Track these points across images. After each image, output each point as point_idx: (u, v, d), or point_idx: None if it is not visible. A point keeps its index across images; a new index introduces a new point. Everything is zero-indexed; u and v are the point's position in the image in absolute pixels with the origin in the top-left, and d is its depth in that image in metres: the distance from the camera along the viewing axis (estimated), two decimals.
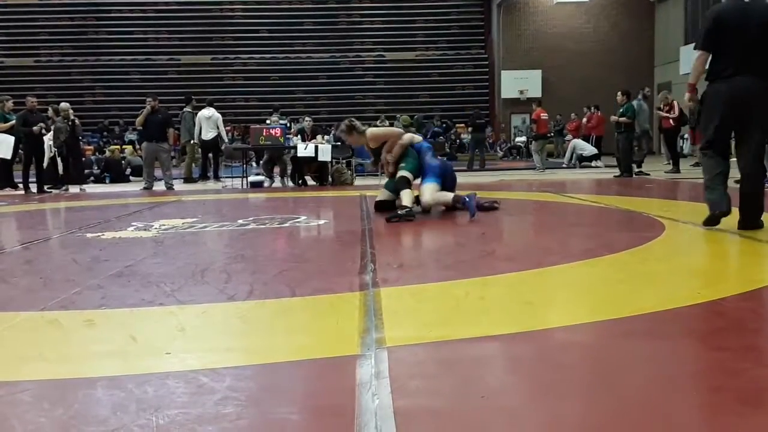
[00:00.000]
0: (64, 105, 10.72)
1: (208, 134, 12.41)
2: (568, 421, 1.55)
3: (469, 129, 17.72)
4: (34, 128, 10.16)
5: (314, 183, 10.94)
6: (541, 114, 13.69)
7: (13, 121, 10.47)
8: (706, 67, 4.19)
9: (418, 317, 2.43)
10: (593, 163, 14.83)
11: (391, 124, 14.72)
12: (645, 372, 1.87)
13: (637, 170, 11.07)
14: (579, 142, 15.57)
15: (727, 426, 1.51)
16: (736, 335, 2.18)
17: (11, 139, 10.51)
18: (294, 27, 24.91)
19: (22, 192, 10.33)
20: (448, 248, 4.18)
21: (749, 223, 4.08)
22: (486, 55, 25.15)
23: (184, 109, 12.78)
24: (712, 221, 4.13)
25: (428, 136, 15.22)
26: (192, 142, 12.64)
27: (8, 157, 10.82)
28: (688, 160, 14.76)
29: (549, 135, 13.54)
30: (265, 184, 10.90)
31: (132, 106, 18.22)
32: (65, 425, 1.55)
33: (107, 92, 23.78)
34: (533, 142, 14.35)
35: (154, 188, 10.57)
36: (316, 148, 10.40)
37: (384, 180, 6.45)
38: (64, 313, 2.59)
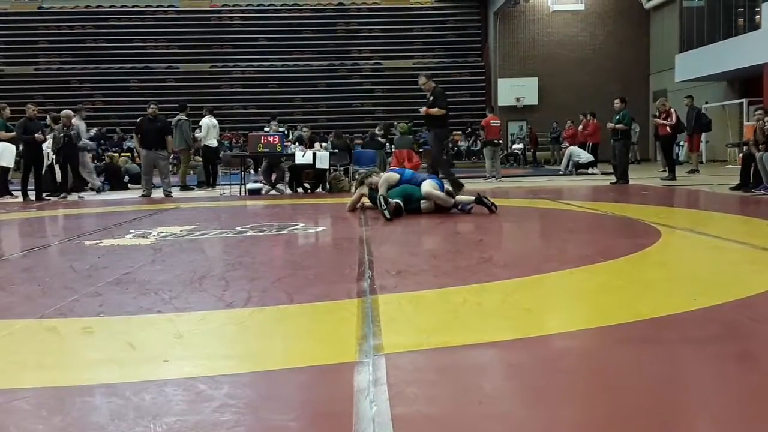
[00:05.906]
0: (65, 112, 10.73)
1: (214, 141, 12.70)
2: (565, 427, 1.56)
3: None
4: (36, 135, 10.17)
5: (309, 188, 10.97)
6: (491, 121, 13.83)
7: (13, 134, 10.52)
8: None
9: (415, 324, 2.43)
10: (590, 170, 14.89)
11: (389, 131, 14.78)
12: (642, 378, 1.87)
13: None
14: (575, 150, 15.64)
15: None
16: (732, 341, 2.19)
17: (13, 147, 10.54)
18: (292, 35, 24.98)
19: (21, 200, 10.32)
20: (445, 255, 4.19)
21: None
22: (483, 63, 25.23)
23: (179, 117, 12.71)
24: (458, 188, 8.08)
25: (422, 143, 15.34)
26: (192, 149, 12.79)
27: (11, 165, 10.86)
28: (683, 167, 14.81)
29: (496, 141, 13.88)
30: (263, 192, 10.91)
31: (131, 114, 18.22)
32: None
33: (106, 100, 23.80)
34: (484, 149, 14.51)
35: (152, 195, 10.58)
36: (314, 155, 10.43)
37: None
38: (63, 320, 2.59)
